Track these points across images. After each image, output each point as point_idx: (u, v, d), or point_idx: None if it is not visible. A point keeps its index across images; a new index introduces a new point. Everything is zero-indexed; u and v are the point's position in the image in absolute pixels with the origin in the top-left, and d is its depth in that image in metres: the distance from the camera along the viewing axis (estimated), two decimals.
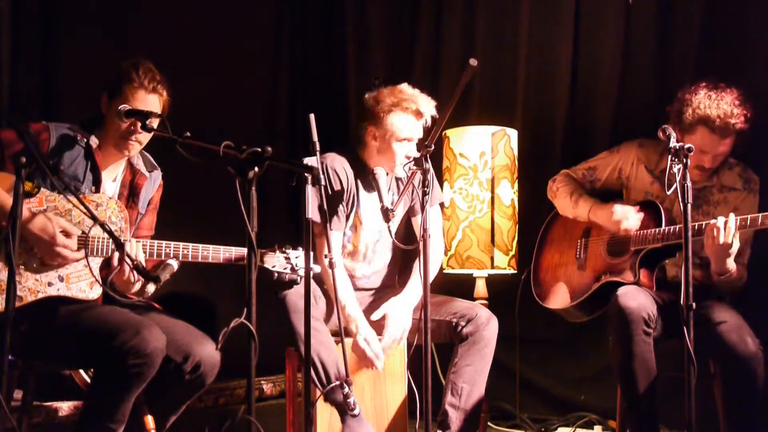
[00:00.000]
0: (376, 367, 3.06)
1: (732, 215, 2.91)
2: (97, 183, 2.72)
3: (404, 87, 3.18)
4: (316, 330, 2.90)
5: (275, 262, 2.74)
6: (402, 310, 3.14)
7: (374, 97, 3.18)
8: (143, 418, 2.69)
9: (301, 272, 2.72)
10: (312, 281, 2.36)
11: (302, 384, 2.48)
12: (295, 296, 2.96)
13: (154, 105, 2.71)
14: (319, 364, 2.96)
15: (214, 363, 2.63)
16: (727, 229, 2.88)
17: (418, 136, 3.18)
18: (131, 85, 2.68)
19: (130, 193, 2.83)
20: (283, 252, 2.75)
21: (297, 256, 2.75)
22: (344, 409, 2.95)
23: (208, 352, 2.61)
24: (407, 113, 3.13)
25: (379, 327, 3.15)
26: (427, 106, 3.14)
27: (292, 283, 2.77)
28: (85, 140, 2.71)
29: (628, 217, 3.20)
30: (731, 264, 3.00)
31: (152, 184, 2.89)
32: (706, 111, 3.07)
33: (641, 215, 3.21)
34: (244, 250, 2.68)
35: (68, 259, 2.55)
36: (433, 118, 3.16)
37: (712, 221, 2.93)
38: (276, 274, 2.74)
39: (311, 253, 2.31)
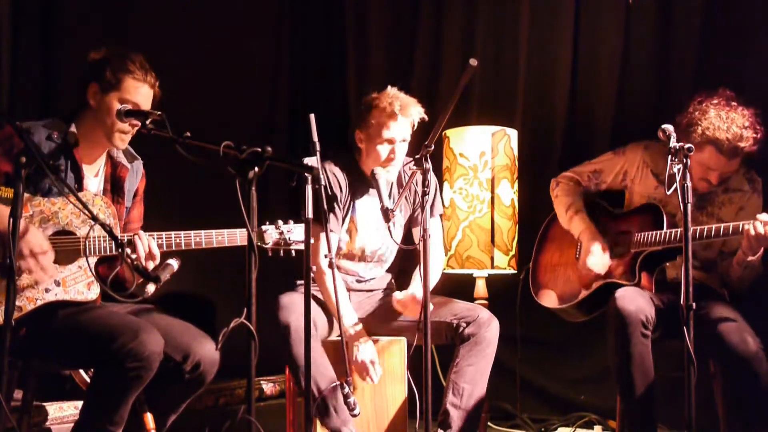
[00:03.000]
0: (373, 381, 3.06)
1: (765, 216, 2.89)
2: (79, 181, 2.69)
3: (389, 90, 3.18)
4: (315, 362, 2.84)
5: (268, 238, 2.74)
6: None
7: (362, 101, 3.21)
8: (143, 417, 2.69)
9: (296, 246, 2.73)
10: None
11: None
12: (298, 329, 2.91)
13: (150, 98, 2.69)
14: (316, 393, 2.94)
15: (214, 362, 2.63)
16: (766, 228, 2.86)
17: (401, 138, 3.14)
18: (133, 78, 2.63)
19: (114, 186, 2.79)
20: (277, 228, 2.75)
21: (290, 229, 2.74)
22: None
23: (207, 350, 2.61)
24: (383, 115, 3.12)
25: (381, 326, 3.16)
26: (405, 107, 3.11)
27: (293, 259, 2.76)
28: (64, 136, 2.65)
29: (592, 261, 3.24)
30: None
31: (135, 175, 2.86)
32: (716, 134, 3.02)
33: (603, 270, 3.23)
34: (236, 232, 2.68)
35: (44, 279, 2.52)
36: (416, 120, 3.14)
37: (751, 226, 2.88)
38: (270, 251, 2.74)
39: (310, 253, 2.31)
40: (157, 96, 2.73)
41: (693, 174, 2.64)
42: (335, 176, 3.19)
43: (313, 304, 3.06)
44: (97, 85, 2.66)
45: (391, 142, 3.14)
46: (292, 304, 2.98)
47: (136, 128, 2.67)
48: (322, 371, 2.96)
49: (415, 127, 3.20)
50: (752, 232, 2.88)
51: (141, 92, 2.65)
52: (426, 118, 3.18)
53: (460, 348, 3.11)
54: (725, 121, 3.02)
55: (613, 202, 3.47)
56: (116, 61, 2.65)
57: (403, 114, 3.12)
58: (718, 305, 3.05)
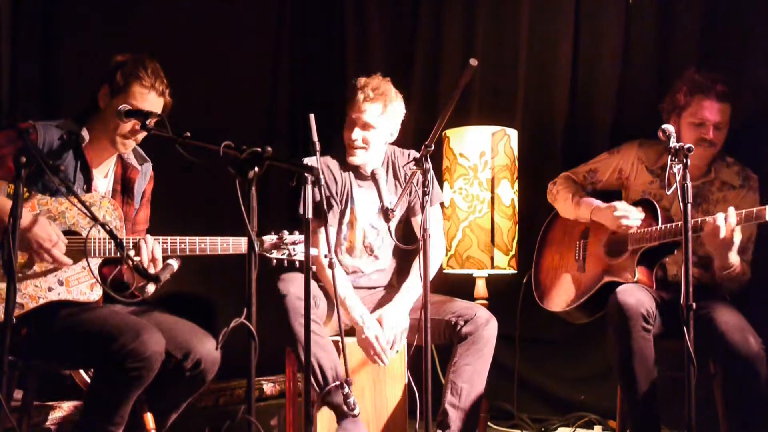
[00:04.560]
0: (383, 362, 3.06)
1: (731, 209, 2.91)
2: (88, 182, 2.70)
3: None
4: (314, 334, 2.88)
5: (272, 249, 2.75)
6: (396, 314, 3.12)
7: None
8: (143, 416, 2.69)
9: (299, 256, 2.73)
10: (312, 281, 2.35)
11: (302, 384, 2.48)
12: (294, 298, 2.95)
13: (158, 106, 2.69)
14: (317, 369, 2.95)
15: (215, 360, 2.63)
16: (728, 225, 2.89)
17: (361, 122, 3.16)
18: (140, 84, 2.64)
19: (124, 188, 2.80)
20: (280, 237, 2.75)
21: (294, 240, 2.75)
22: (342, 411, 2.95)
23: (208, 349, 2.61)
24: (352, 97, 3.18)
25: None
26: (362, 86, 3.15)
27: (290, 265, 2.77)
28: (74, 137, 2.67)
29: (629, 215, 3.21)
30: (734, 258, 3.01)
31: (144, 177, 2.87)
32: (699, 79, 3.18)
33: (643, 214, 3.21)
34: (241, 240, 2.69)
35: (60, 263, 2.52)
36: (381, 106, 3.15)
37: (710, 218, 2.93)
38: (275, 261, 2.74)
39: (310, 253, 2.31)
40: (168, 104, 2.73)
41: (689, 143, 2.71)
42: (330, 169, 3.21)
43: (314, 286, 3.09)
44: (108, 87, 2.68)
45: (351, 124, 3.17)
46: (293, 277, 2.99)
47: (140, 135, 2.67)
48: (322, 345, 2.97)
49: (383, 115, 3.17)
50: (710, 238, 2.91)
51: (148, 99, 2.65)
52: (372, 95, 3.16)
53: (457, 347, 3.11)
54: (704, 73, 3.21)
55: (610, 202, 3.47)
56: (129, 66, 2.66)
57: (362, 93, 3.14)
58: (720, 305, 3.05)
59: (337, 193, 3.21)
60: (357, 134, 3.17)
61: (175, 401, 2.70)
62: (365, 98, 3.14)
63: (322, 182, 3.14)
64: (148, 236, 2.63)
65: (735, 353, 2.89)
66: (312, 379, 2.93)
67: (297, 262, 2.76)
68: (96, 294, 2.62)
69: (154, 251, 2.61)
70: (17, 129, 2.41)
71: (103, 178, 2.77)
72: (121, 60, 2.70)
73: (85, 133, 2.69)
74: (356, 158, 3.22)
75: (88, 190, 2.69)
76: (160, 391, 2.64)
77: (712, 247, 2.98)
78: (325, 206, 3.10)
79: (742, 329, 2.93)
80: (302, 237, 2.71)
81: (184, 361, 2.58)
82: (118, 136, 2.67)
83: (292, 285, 2.97)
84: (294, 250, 2.75)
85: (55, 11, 4.01)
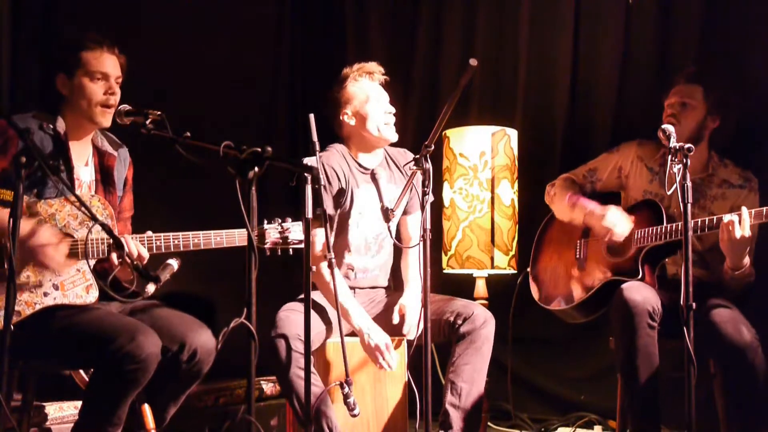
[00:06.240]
0: (390, 366, 3.05)
1: (744, 209, 2.91)
2: (69, 170, 2.68)
3: (347, 69, 3.34)
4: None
5: (267, 237, 2.74)
6: (415, 301, 3.16)
7: (331, 94, 3.34)
8: (141, 409, 2.68)
9: (294, 235, 2.73)
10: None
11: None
12: (291, 343, 2.91)
13: (116, 65, 2.73)
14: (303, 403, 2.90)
15: (210, 350, 2.61)
16: (743, 222, 2.89)
17: (385, 98, 3.27)
18: (88, 49, 2.68)
19: (104, 177, 2.79)
20: (275, 225, 2.75)
21: (288, 227, 2.75)
22: None
23: (203, 340, 2.60)
24: (358, 79, 3.27)
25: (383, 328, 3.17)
26: (372, 66, 3.31)
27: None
28: (52, 127, 2.67)
29: (616, 225, 3.21)
30: (746, 258, 3.01)
31: (122, 163, 2.86)
32: (675, 78, 3.32)
33: (632, 225, 3.21)
34: (234, 233, 2.68)
35: (60, 267, 2.52)
36: (384, 77, 3.31)
37: (727, 216, 2.93)
38: (268, 251, 2.73)
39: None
40: (123, 63, 2.76)
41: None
42: (332, 168, 3.19)
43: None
44: (63, 74, 2.71)
45: (377, 99, 3.24)
46: (290, 322, 2.95)
47: (115, 98, 2.68)
48: (314, 392, 2.88)
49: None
50: (725, 236, 2.93)
51: (103, 61, 2.70)
52: (385, 75, 3.33)
53: (456, 346, 3.10)
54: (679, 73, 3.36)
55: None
56: (68, 44, 2.72)
57: (374, 72, 3.29)
58: (716, 300, 3.05)
59: (342, 186, 3.21)
60: (390, 108, 3.27)
61: (173, 394, 2.68)
62: (380, 74, 3.29)
63: (323, 182, 3.15)
64: (127, 236, 2.61)
65: (728, 343, 2.90)
66: (297, 406, 2.91)
67: (290, 250, 2.75)
68: (92, 296, 2.60)
69: (139, 251, 2.60)
70: (17, 130, 2.40)
71: (84, 166, 2.76)
72: (57, 47, 2.77)
73: (60, 122, 2.69)
74: (394, 133, 3.26)
75: (70, 178, 2.67)
76: (157, 384, 2.61)
77: (726, 246, 2.97)
78: (326, 204, 3.09)
79: (735, 320, 2.94)
80: (299, 224, 2.72)
81: (180, 353, 2.56)
82: (97, 107, 2.67)
83: (289, 328, 2.93)
84: (289, 237, 2.73)
85: (55, 10, 4.01)
